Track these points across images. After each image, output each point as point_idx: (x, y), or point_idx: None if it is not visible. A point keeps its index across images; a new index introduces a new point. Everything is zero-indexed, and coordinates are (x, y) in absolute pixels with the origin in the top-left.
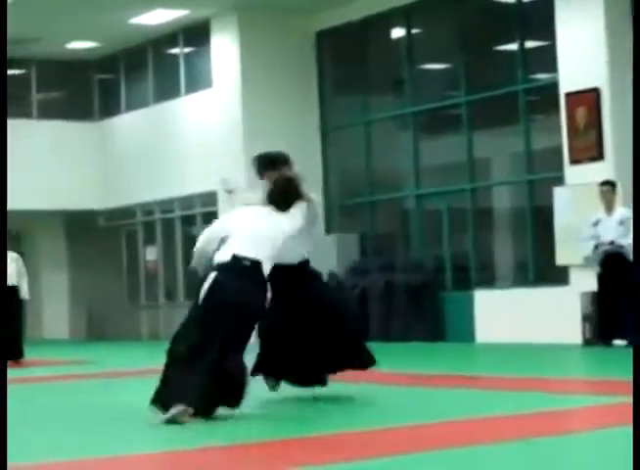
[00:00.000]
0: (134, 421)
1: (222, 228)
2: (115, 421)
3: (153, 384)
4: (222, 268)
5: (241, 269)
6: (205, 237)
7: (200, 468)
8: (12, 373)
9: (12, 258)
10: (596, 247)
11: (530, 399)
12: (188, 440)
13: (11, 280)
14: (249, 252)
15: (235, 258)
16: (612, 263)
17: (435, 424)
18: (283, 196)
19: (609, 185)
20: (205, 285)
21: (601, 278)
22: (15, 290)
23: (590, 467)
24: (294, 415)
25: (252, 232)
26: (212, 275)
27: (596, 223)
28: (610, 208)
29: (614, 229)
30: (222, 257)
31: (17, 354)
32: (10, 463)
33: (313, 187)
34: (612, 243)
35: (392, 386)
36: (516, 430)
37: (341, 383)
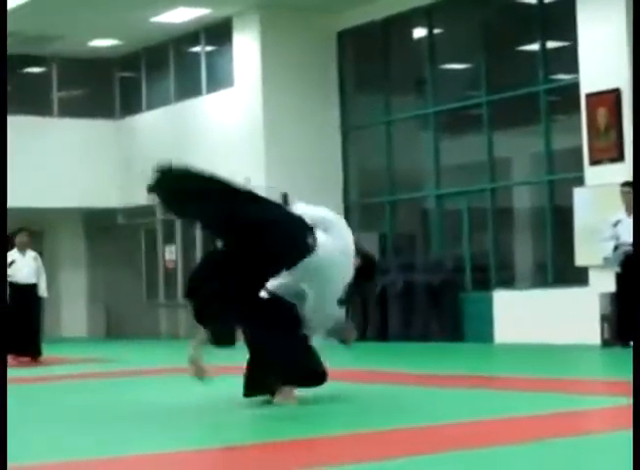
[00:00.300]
0: (144, 420)
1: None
2: (125, 420)
3: (171, 382)
4: None
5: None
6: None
7: (201, 469)
8: (30, 372)
9: (31, 256)
10: (616, 247)
11: (548, 400)
12: (192, 440)
13: (30, 278)
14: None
15: None
16: (632, 264)
17: (451, 425)
18: (367, 274)
19: (630, 186)
20: None
21: (620, 279)
22: (34, 288)
23: (608, 468)
24: (301, 415)
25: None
26: None
27: (616, 224)
28: (630, 208)
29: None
30: None
31: (35, 352)
32: (16, 463)
33: (333, 186)
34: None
35: (410, 386)
36: (533, 431)
37: (357, 383)
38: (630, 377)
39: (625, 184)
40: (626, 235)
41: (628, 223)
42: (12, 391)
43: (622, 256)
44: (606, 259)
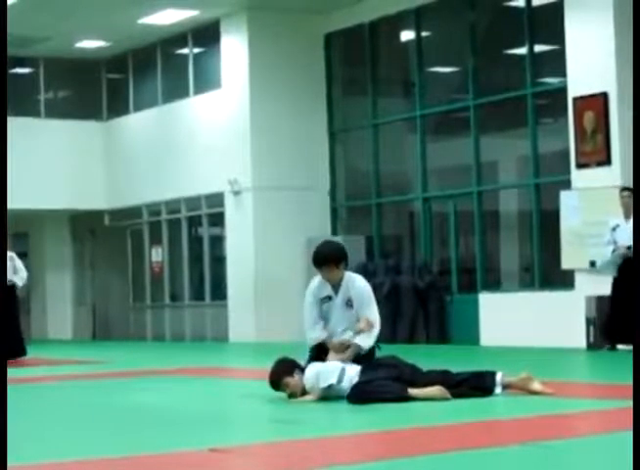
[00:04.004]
0: (132, 421)
1: None
2: (113, 421)
3: (158, 383)
4: None
5: None
6: None
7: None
8: (15, 372)
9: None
10: (613, 251)
11: (534, 403)
12: (181, 441)
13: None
14: None
15: None
16: (628, 268)
17: (437, 427)
18: None
19: (629, 191)
20: None
21: (616, 282)
22: (11, 289)
23: None
24: (291, 418)
25: None
26: None
27: (614, 228)
28: (628, 213)
29: (631, 234)
30: None
31: (20, 352)
32: (13, 463)
33: (320, 188)
34: (629, 248)
35: None
36: (519, 433)
37: None
38: (617, 380)
39: (624, 189)
40: (623, 239)
41: (626, 228)
42: None
43: (620, 259)
44: (603, 264)
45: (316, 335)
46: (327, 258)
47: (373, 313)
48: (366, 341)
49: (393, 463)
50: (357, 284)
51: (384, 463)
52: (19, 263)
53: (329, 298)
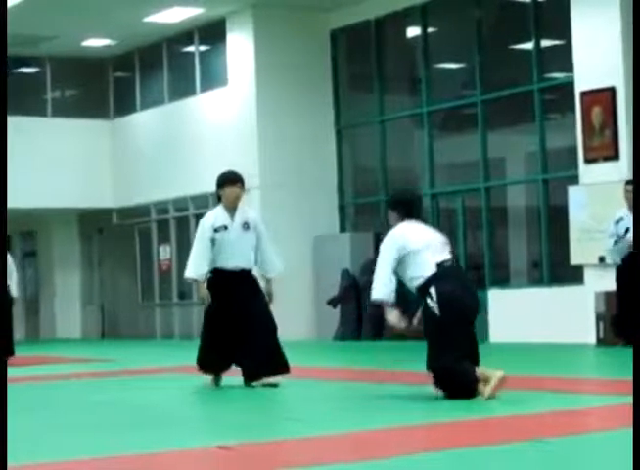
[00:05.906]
0: (140, 419)
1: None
2: (121, 419)
3: (166, 381)
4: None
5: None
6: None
7: (195, 468)
8: (23, 371)
9: None
10: (615, 242)
11: (543, 399)
12: (186, 439)
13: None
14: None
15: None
16: (632, 260)
17: (446, 423)
18: None
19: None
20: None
21: (620, 273)
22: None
23: (603, 467)
24: (298, 416)
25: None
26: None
27: (618, 221)
28: (632, 207)
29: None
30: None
31: (8, 352)
32: (15, 463)
33: (328, 185)
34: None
35: (404, 384)
36: (528, 430)
37: (344, 381)
38: (627, 376)
39: (629, 183)
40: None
41: (629, 221)
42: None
43: (627, 249)
44: (609, 251)
45: (201, 271)
46: (240, 177)
47: (269, 246)
48: (274, 268)
49: (393, 461)
50: (253, 213)
51: (381, 462)
52: (10, 264)
53: (225, 227)
